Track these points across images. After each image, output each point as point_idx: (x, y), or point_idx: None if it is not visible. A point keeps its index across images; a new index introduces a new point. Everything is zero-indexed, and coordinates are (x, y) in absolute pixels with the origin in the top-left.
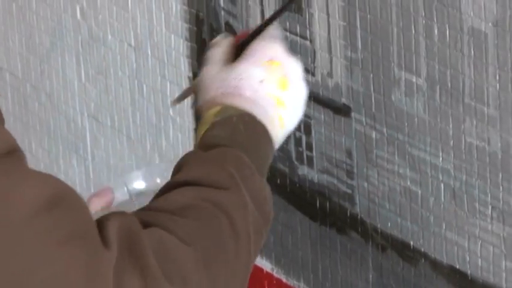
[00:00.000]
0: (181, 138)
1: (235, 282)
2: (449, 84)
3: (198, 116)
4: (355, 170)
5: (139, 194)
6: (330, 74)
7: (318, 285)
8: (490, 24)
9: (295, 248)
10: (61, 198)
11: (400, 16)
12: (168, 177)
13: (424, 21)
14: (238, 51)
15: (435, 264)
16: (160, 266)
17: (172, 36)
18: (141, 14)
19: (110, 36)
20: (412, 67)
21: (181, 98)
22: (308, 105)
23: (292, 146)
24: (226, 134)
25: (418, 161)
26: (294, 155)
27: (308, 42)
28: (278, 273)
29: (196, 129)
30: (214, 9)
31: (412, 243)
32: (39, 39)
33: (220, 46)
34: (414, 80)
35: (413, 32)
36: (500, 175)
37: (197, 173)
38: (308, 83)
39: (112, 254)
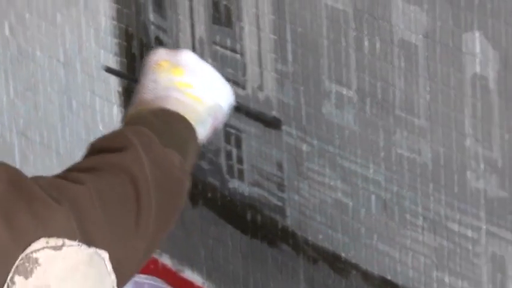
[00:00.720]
0: None
1: (139, 220)
2: (379, 96)
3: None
4: (285, 183)
5: None
6: (261, 87)
7: None
8: (420, 36)
9: (226, 262)
10: None
11: (330, 29)
12: None
13: (354, 34)
14: None
15: (366, 276)
16: (47, 193)
17: (102, 51)
18: (70, 30)
19: (38, 52)
20: (342, 79)
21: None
22: (238, 118)
23: (222, 160)
24: (137, 123)
25: (349, 172)
26: (224, 169)
27: (238, 56)
28: None
29: None
30: (144, 23)
31: (343, 254)
32: None
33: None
34: (345, 92)
35: (343, 44)
36: (431, 186)
37: (98, 145)
38: (238, 96)
39: None
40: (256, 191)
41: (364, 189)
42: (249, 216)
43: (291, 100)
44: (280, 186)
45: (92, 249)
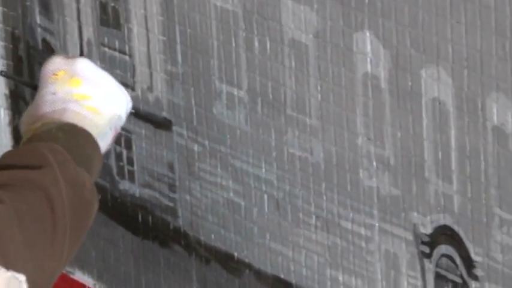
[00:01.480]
0: None
1: (55, 241)
2: (270, 96)
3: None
4: (177, 183)
5: None
6: (150, 89)
7: None
8: (310, 35)
9: (117, 263)
10: None
11: (220, 30)
12: None
13: (244, 34)
14: None
15: (259, 275)
16: None
17: None
18: None
19: None
20: (233, 80)
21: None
22: (128, 119)
23: (113, 161)
24: (46, 139)
25: (241, 172)
26: (115, 170)
27: (127, 57)
28: None
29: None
30: (31, 26)
31: (236, 254)
32: None
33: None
34: (235, 92)
35: (233, 45)
36: (324, 185)
37: (10, 159)
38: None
39: None
40: (147, 192)
41: (256, 188)
42: (140, 218)
43: (181, 101)
44: (172, 187)
45: (10, 273)
